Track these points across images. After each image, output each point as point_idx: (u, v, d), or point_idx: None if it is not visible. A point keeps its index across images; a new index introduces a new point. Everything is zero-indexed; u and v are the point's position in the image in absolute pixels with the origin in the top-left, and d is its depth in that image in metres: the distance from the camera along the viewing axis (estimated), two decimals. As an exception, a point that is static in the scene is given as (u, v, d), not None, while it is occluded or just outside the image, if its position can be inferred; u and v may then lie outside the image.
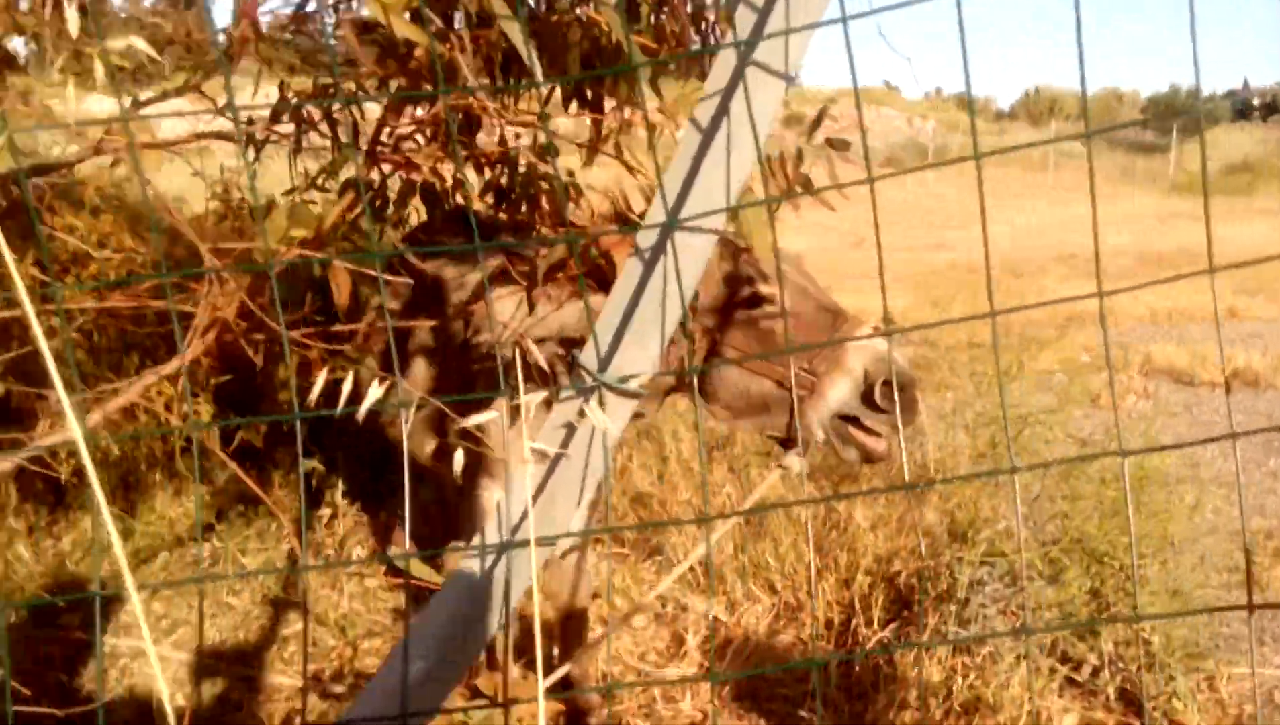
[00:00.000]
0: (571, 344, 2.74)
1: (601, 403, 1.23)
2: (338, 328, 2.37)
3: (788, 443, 2.45)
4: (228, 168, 4.99)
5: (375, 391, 1.22)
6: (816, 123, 2.42)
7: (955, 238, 19.14)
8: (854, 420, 2.31)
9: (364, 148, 2.85)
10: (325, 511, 4.69)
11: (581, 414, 1.24)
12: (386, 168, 3.02)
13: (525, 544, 1.25)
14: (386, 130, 2.88)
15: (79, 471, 4.53)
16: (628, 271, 1.23)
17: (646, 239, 1.21)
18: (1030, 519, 3.77)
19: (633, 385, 1.23)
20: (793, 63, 1.17)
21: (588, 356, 1.26)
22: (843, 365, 2.27)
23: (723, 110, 1.18)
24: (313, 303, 2.76)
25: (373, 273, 2.29)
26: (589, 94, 2.86)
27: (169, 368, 2.02)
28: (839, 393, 2.28)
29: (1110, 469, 3.61)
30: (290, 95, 2.96)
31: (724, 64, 1.20)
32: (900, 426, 2.38)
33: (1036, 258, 15.59)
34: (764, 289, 2.42)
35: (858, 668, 3.36)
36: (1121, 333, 9.63)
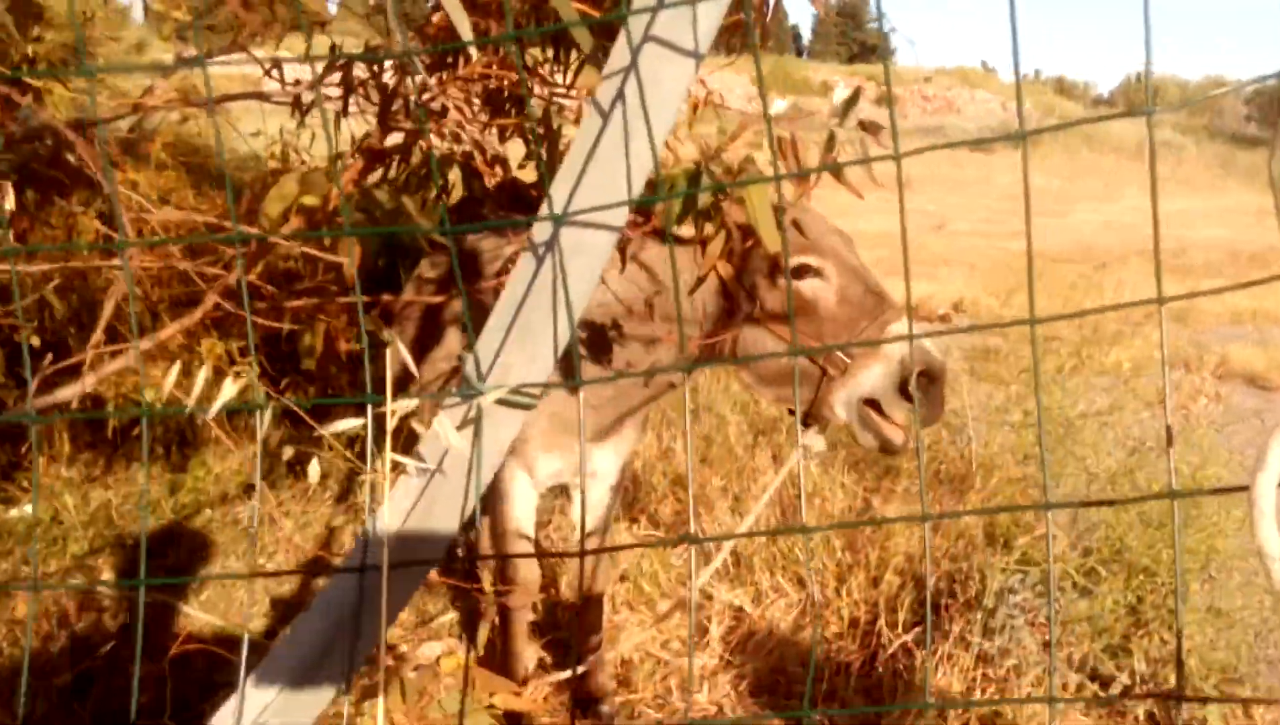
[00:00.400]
0: (592, 328, 2.69)
1: (479, 413, 1.17)
2: (347, 299, 2.35)
3: (806, 421, 2.43)
4: (287, 129, 5.01)
5: (229, 389, 1.18)
6: (850, 104, 2.33)
7: (1038, 226, 18.65)
8: (876, 406, 2.30)
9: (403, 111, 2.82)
10: (371, 475, 4.71)
11: (466, 423, 1.18)
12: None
13: (396, 566, 1.19)
14: (425, 96, 2.84)
15: (129, 424, 4.63)
16: (519, 270, 1.16)
17: (539, 234, 1.14)
18: (1072, 527, 3.64)
19: (493, 395, 1.15)
20: (704, 37, 1.07)
21: (477, 361, 1.19)
22: (880, 352, 2.26)
23: (620, 92, 1.09)
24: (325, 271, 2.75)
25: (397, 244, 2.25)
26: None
27: (166, 333, 2.02)
28: (872, 377, 2.28)
29: (1157, 478, 3.47)
30: (339, 56, 2.93)
31: (625, 39, 1.10)
32: (925, 421, 2.36)
33: (1120, 249, 15.15)
34: (813, 261, 2.37)
35: (880, 670, 3.29)
36: (1200, 332, 9.30)
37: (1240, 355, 8.06)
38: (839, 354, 2.29)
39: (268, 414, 1.19)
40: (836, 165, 1.55)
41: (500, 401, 1.16)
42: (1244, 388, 7.56)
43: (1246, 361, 7.92)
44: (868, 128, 2.23)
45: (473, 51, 2.43)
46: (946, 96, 48.92)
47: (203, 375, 1.23)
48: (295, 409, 1.36)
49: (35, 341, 3.31)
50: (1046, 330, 8.45)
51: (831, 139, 2.28)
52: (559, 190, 1.12)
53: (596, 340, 2.70)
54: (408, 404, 1.19)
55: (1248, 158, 33.21)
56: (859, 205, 2.21)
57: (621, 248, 2.23)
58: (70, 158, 4.02)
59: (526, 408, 1.19)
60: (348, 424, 1.22)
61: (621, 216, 1.14)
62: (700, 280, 2.49)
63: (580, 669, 3.04)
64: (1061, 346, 7.48)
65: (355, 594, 1.20)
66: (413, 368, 1.21)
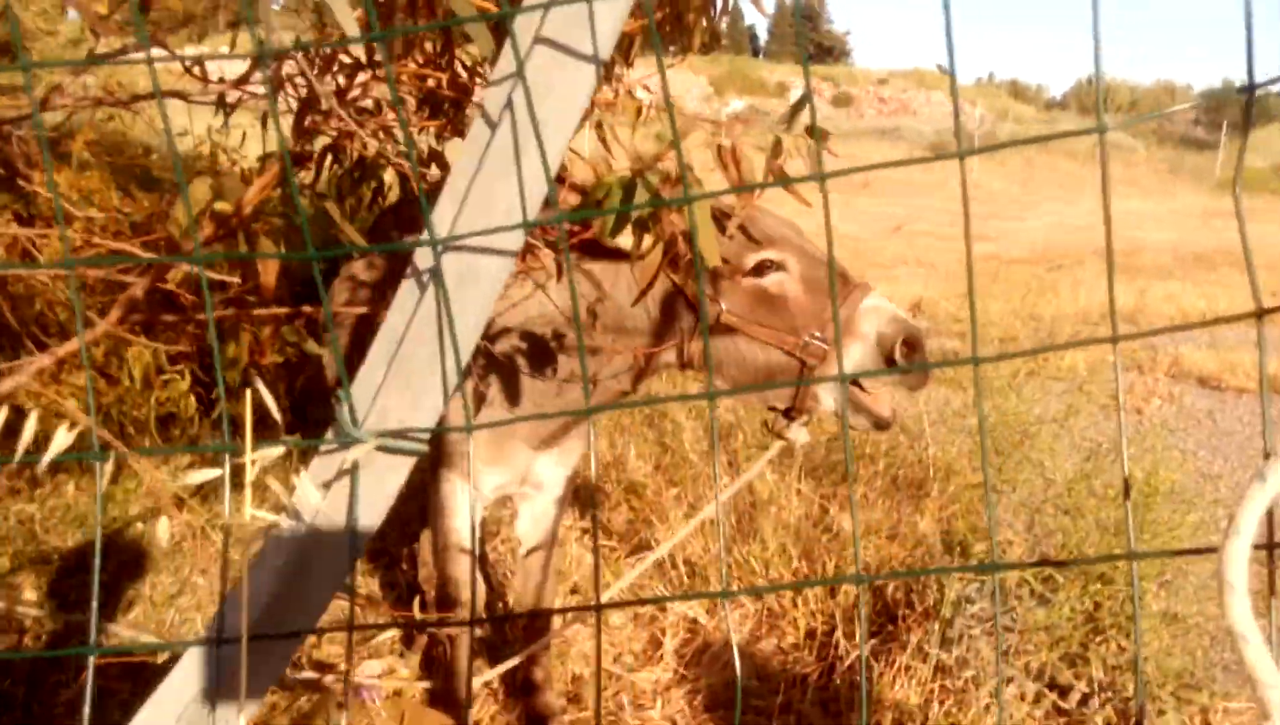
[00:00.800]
0: (533, 339, 2.58)
1: (355, 467, 1.05)
2: (263, 311, 2.22)
3: (790, 413, 2.37)
4: (215, 128, 4.83)
5: (62, 438, 1.06)
6: (797, 109, 2.24)
7: (996, 229, 18.78)
8: (860, 387, 2.28)
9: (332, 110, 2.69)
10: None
11: (342, 473, 1.06)
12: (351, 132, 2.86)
13: (261, 637, 1.06)
14: (354, 93, 2.72)
15: (49, 435, 4.44)
16: (399, 301, 1.04)
17: (422, 262, 1.02)
18: (1031, 531, 3.59)
19: (364, 448, 1.03)
20: (604, 39, 0.97)
21: (351, 405, 1.06)
22: (855, 330, 2.22)
23: (509, 101, 0.98)
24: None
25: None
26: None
27: (64, 350, 1.88)
28: (852, 358, 2.23)
29: (1113, 482, 3.42)
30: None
31: (514, 42, 0.99)
32: (914, 388, 2.34)
33: (1074, 251, 15.28)
34: (772, 255, 2.31)
35: (837, 682, 3.21)
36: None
37: (1192, 356, 8.12)
38: (814, 342, 2.24)
39: (108, 467, 1.07)
40: (768, 184, 1.46)
41: (382, 448, 1.04)
42: (1196, 389, 7.60)
43: (1199, 363, 7.97)
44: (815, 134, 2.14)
45: (367, 48, 2.31)
46: (902, 98, 49.26)
47: (31, 424, 1.11)
48: (126, 455, 1.23)
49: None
50: (1003, 332, 8.45)
51: (778, 145, 2.19)
52: (443, 212, 1.00)
53: (537, 352, 2.59)
54: (270, 452, 1.07)
55: (1195, 160, 33.81)
56: (809, 207, 2.14)
57: (557, 259, 2.13)
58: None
59: (414, 454, 1.07)
60: (203, 476, 1.10)
61: (517, 240, 1.02)
62: (643, 292, 2.39)
63: (516, 660, 2.92)
64: (1017, 350, 7.47)
65: (215, 669, 1.07)
66: (275, 412, 1.09)
